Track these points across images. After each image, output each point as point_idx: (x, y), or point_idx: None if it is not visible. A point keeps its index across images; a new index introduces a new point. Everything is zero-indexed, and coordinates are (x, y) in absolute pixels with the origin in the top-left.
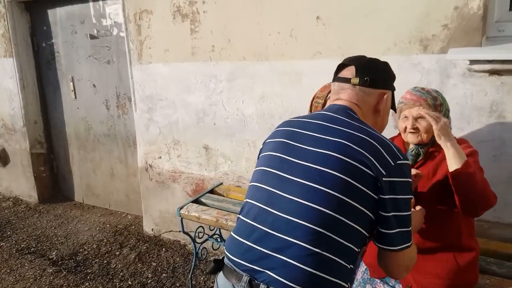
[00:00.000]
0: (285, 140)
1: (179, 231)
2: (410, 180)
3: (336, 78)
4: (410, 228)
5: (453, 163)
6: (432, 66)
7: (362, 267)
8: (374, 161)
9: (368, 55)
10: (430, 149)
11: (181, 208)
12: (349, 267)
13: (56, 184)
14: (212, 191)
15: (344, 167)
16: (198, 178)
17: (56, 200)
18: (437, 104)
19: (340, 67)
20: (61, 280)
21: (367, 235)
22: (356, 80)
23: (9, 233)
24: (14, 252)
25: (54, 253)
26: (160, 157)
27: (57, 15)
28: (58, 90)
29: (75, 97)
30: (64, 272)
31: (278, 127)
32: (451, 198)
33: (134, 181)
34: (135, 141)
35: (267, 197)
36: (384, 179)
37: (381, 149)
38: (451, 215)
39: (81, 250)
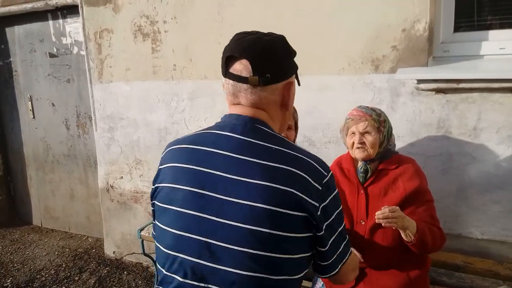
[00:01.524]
0: (193, 190)
1: (141, 253)
2: (337, 190)
3: (228, 74)
4: (347, 239)
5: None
6: (383, 85)
7: (319, 283)
8: (304, 197)
9: (324, 74)
10: (380, 166)
11: (141, 229)
12: None
13: (13, 207)
14: None
15: (273, 219)
16: None
17: (13, 224)
18: (381, 120)
19: (230, 59)
20: None
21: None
22: (255, 80)
23: None
24: None
25: (9, 280)
26: (122, 177)
27: (15, 33)
28: (15, 110)
29: (34, 117)
30: None
31: (171, 156)
32: None
33: (95, 203)
34: (96, 161)
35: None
36: (318, 213)
37: (306, 176)
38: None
39: (38, 277)
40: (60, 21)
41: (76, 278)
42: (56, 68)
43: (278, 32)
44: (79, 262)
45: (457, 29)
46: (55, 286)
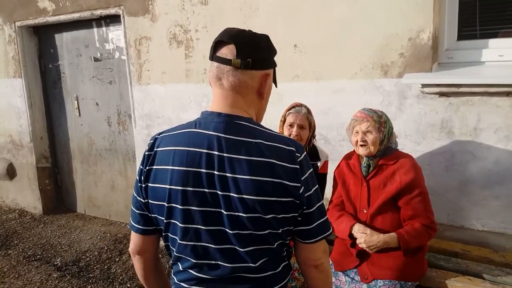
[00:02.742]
0: (193, 189)
1: None
2: (312, 169)
3: (214, 57)
4: (326, 217)
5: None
6: (392, 88)
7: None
8: (287, 182)
9: (338, 79)
10: (379, 162)
11: None
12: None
13: (59, 196)
14: None
15: (264, 206)
16: None
17: (60, 211)
18: (381, 121)
19: (218, 44)
20: (66, 283)
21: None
22: (237, 62)
23: (16, 242)
24: (21, 259)
25: (59, 259)
26: None
27: (63, 39)
28: (63, 108)
29: (79, 115)
30: (68, 277)
31: (166, 157)
32: (398, 208)
33: None
34: (135, 155)
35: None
36: (301, 190)
37: (284, 164)
38: (399, 221)
39: (83, 257)
40: (104, 28)
41: (117, 259)
42: (100, 71)
43: (297, 40)
44: (119, 245)
45: (460, 37)
46: (98, 265)
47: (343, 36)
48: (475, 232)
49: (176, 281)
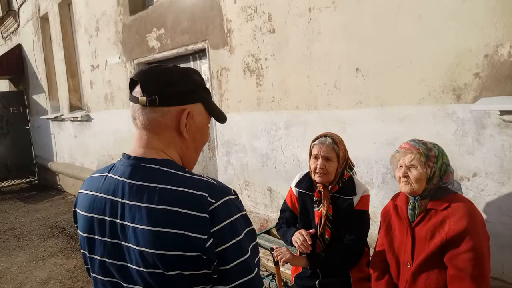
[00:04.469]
0: (98, 238)
1: None
2: (241, 214)
3: (130, 97)
4: (250, 277)
5: None
6: (467, 115)
7: None
8: (190, 234)
9: (404, 104)
10: (428, 205)
11: None
12: None
13: None
14: (268, 232)
15: (165, 263)
16: (263, 218)
17: None
18: (430, 154)
19: (131, 83)
20: None
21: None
22: (143, 100)
23: None
24: None
25: None
26: None
27: None
28: None
29: None
30: None
31: (80, 201)
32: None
33: None
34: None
35: None
36: (209, 243)
37: (188, 211)
38: (445, 277)
39: None
40: (198, 62)
41: None
42: None
43: (359, 63)
44: None
45: None
46: None
47: (408, 56)
48: None
49: None
